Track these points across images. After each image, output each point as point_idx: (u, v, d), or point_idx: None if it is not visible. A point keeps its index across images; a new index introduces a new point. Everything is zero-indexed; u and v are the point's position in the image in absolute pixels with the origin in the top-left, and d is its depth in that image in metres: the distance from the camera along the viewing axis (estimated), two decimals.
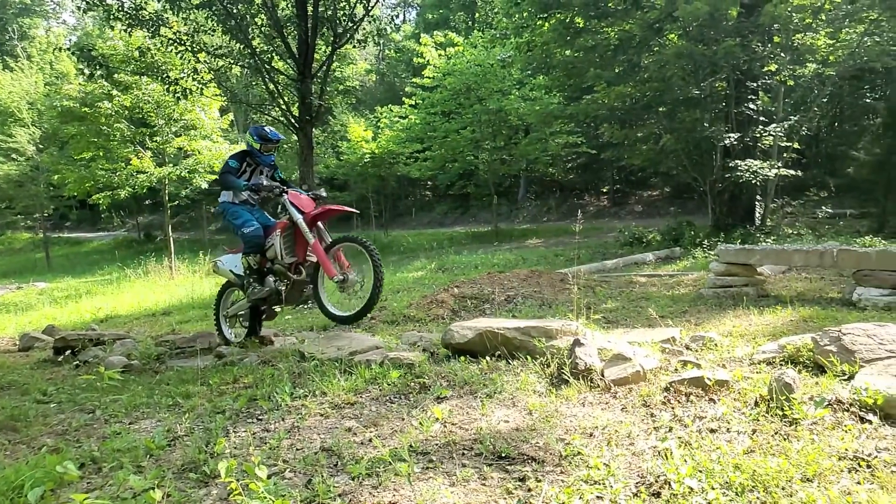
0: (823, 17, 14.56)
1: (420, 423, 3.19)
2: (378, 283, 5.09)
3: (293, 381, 4.11)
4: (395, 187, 28.29)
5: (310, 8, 9.04)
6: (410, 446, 2.92)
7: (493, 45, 20.04)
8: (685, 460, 2.54)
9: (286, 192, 5.53)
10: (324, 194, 5.95)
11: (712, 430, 2.87)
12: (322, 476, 2.64)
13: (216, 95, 15.13)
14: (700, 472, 2.45)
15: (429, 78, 20.20)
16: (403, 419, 3.36)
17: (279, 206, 5.61)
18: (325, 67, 9.50)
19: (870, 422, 2.77)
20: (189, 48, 9.57)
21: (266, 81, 9.42)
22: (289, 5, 10.23)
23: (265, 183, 5.59)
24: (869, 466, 2.40)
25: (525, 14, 16.62)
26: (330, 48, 9.45)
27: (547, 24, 16.49)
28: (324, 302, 5.58)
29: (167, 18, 9.79)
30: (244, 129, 29.29)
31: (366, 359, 4.37)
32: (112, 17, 9.19)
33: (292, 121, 9.15)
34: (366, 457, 2.80)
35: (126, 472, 2.72)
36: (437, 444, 2.96)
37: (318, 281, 5.58)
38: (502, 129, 20.59)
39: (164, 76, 11.59)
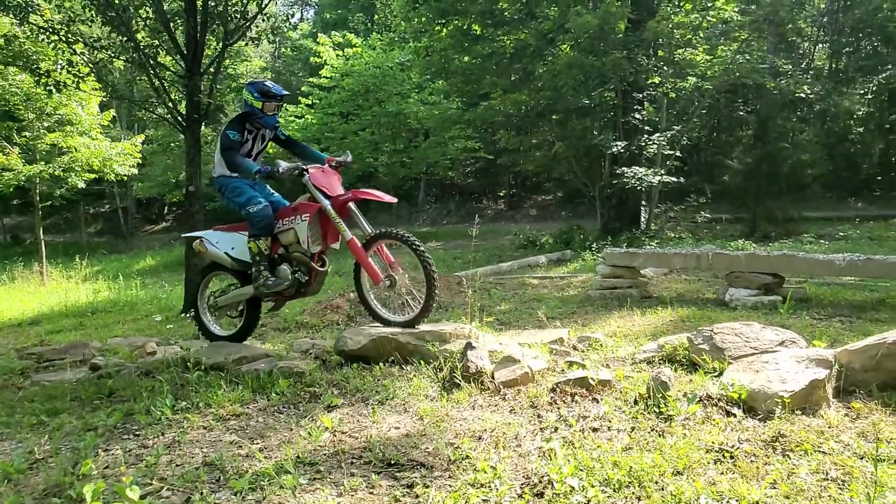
0: (702, 35, 15.63)
1: (309, 434, 3.12)
2: (432, 284, 4.39)
3: (175, 393, 3.90)
4: (291, 189, 27.65)
5: (199, 2, 8.65)
6: (298, 457, 2.85)
7: (391, 47, 20.04)
8: (568, 460, 2.62)
9: (307, 172, 4.59)
10: (349, 159, 5.04)
11: (594, 429, 2.98)
12: (202, 493, 2.53)
13: (95, 90, 14.16)
14: (581, 470, 2.53)
15: (326, 78, 19.90)
16: (292, 430, 3.27)
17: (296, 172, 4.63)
18: (215, 64, 9.12)
19: (735, 415, 2.96)
20: (63, 38, 8.90)
21: (151, 77, 8.91)
22: None
23: (282, 167, 4.54)
24: (732, 457, 2.57)
25: (423, 19, 16.73)
26: (221, 45, 9.08)
27: (445, 29, 16.68)
28: (371, 304, 4.76)
29: (37, 5, 9.06)
30: (128, 125, 27.68)
31: (254, 368, 4.22)
32: None
33: (179, 119, 8.71)
34: (250, 470, 2.70)
35: None
36: (325, 454, 2.90)
37: (360, 280, 4.75)
38: (402, 131, 20.61)
39: (34, 67, 10.69)
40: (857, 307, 6.10)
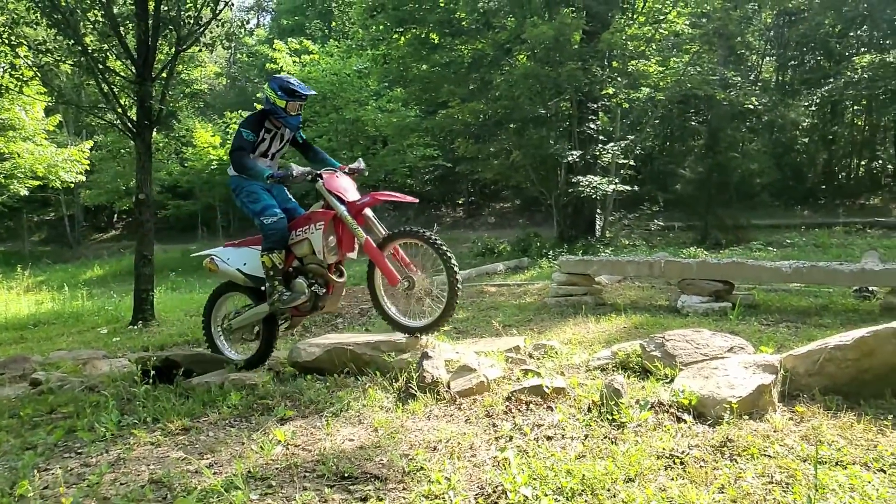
0: (654, 47, 15.99)
1: (261, 447, 3.06)
2: (454, 284, 4.14)
3: (121, 409, 3.78)
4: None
5: (151, 6, 8.45)
6: (249, 472, 2.79)
7: (349, 55, 19.95)
8: (522, 469, 2.62)
9: (320, 178, 4.34)
10: (362, 166, 4.77)
11: (549, 438, 2.99)
12: None
13: (40, 94, 13.73)
14: (535, 479, 2.53)
15: None
16: (243, 444, 3.20)
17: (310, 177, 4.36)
18: (168, 70, 8.92)
19: (685, 421, 3.01)
20: (5, 41, 8.60)
21: (100, 82, 8.67)
22: (127, 2, 9.51)
23: (295, 172, 4.27)
24: (682, 463, 2.61)
25: (381, 27, 16.72)
26: (174, 50, 8.89)
27: (403, 38, 16.69)
28: (387, 309, 4.53)
29: None
30: (76, 131, 26.86)
31: (205, 381, 4.13)
32: None
33: (129, 125, 8.49)
34: (198, 487, 2.63)
35: None
36: (277, 468, 2.85)
37: (374, 284, 4.52)
38: (360, 139, 20.51)
39: None
40: (803, 313, 6.28)
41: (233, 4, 10.77)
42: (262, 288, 4.64)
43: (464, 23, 16.18)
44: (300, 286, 4.48)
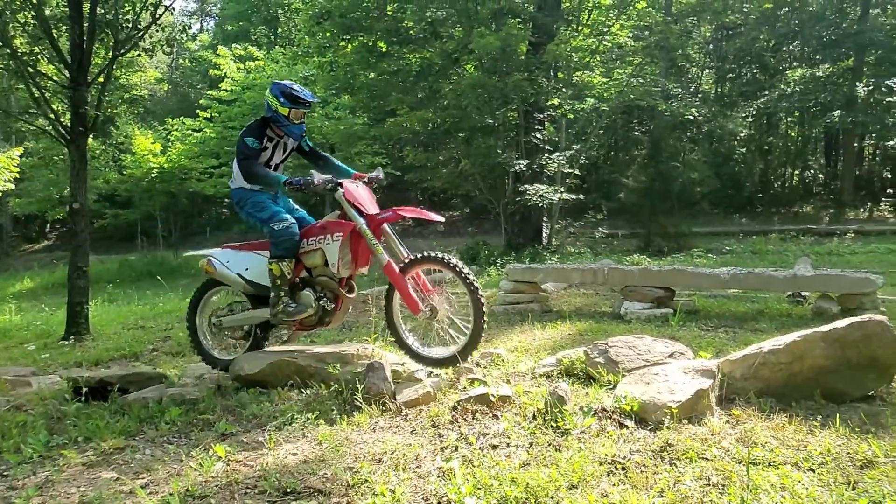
0: (599, 59, 16.36)
1: (200, 464, 2.96)
2: (480, 314, 3.94)
3: (50, 428, 3.61)
4: (187, 205, 26.47)
5: (86, 9, 8.15)
6: (187, 491, 2.70)
7: (295, 61, 19.74)
8: (467, 479, 2.61)
9: (341, 187, 4.10)
10: (381, 175, 4.54)
11: (494, 447, 3.00)
12: None
13: None
14: (480, 489, 2.53)
15: (227, 91, 19.32)
16: (182, 461, 3.10)
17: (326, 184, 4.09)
18: (104, 75, 8.61)
19: (627, 427, 3.06)
20: None
21: (30, 86, 8.31)
22: (60, 4, 9.16)
23: (317, 179, 4.02)
24: (624, 469, 2.65)
25: (328, 34, 16.61)
26: (110, 54, 8.59)
27: (350, 45, 16.62)
28: (404, 337, 4.24)
29: None
30: (4, 136, 25.68)
31: (142, 396, 3.98)
32: None
33: (63, 132, 8.15)
34: None
35: None
36: (217, 486, 2.76)
37: (392, 310, 4.24)
38: None
39: None
40: (740, 318, 6.49)
41: (174, 9, 10.50)
42: (263, 295, 4.40)
43: (411, 32, 16.22)
44: (307, 298, 4.24)
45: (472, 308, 3.94)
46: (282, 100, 4.22)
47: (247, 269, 4.43)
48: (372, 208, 4.17)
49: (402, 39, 16.22)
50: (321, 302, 4.25)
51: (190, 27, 11.47)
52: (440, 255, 4.07)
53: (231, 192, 4.53)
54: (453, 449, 3.00)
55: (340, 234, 4.13)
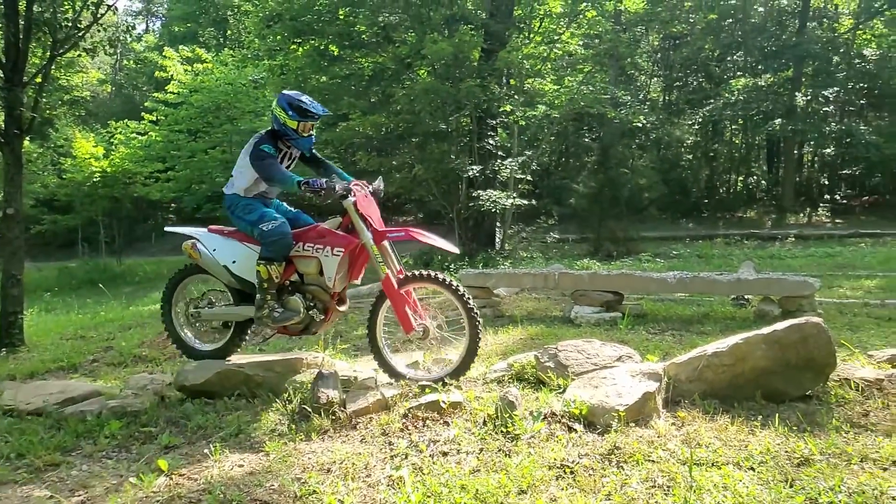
0: (550, 66, 16.58)
1: (141, 479, 2.86)
2: (476, 337, 3.84)
3: None
4: (131, 210, 25.67)
5: (21, 7, 7.82)
6: None
7: (245, 64, 19.40)
8: (416, 487, 2.60)
9: (351, 193, 3.90)
10: (381, 186, 4.30)
11: (444, 453, 2.98)
12: None
13: None
14: (429, 497, 2.51)
15: (173, 94, 18.84)
16: (121, 476, 3.00)
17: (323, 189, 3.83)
18: (42, 75, 8.27)
19: (576, 430, 3.09)
20: None
21: None
22: None
23: (337, 185, 3.83)
24: (572, 472, 2.67)
25: (278, 37, 16.37)
26: (49, 54, 8.26)
27: (301, 49, 16.43)
28: (385, 356, 4.06)
29: None
30: None
31: (80, 410, 3.83)
32: None
33: None
34: None
35: None
36: (158, 501, 2.69)
37: (375, 322, 4.06)
38: None
39: None
40: (687, 321, 6.64)
41: (116, 8, 10.19)
42: (248, 291, 4.19)
43: (364, 36, 16.13)
44: (295, 304, 4.04)
45: (468, 330, 3.85)
46: (290, 112, 4.06)
47: (234, 261, 4.17)
48: (379, 223, 4.01)
49: (355, 44, 16.11)
50: (311, 312, 4.06)
51: (134, 27, 11.16)
52: (434, 273, 3.94)
53: (224, 196, 4.34)
54: (403, 457, 2.98)
55: (342, 248, 3.93)
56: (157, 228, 29.40)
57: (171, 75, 19.04)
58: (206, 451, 3.23)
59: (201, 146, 19.31)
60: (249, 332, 4.54)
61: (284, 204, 4.51)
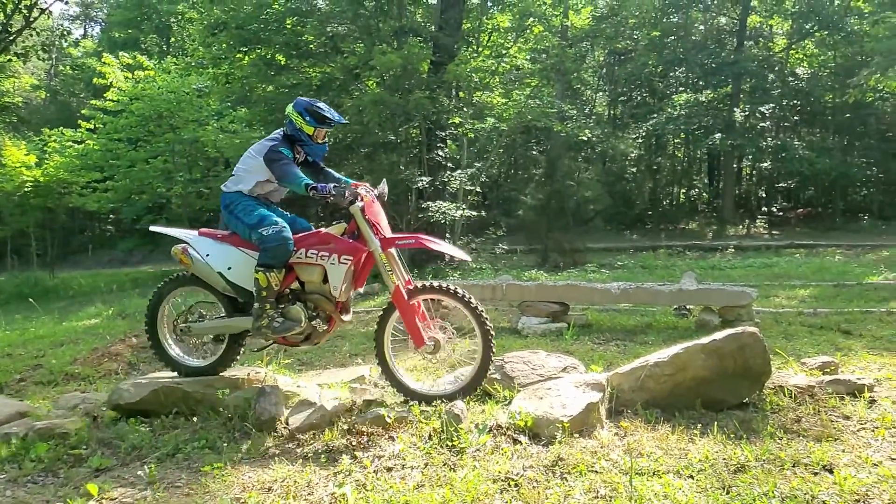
0: (498, 80, 16.77)
1: None
2: (489, 350, 3.72)
3: None
4: (66, 221, 24.65)
5: None
6: None
7: (188, 72, 18.95)
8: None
9: (358, 198, 3.76)
10: (385, 190, 4.11)
11: (388, 469, 2.94)
12: None
13: None
14: None
15: (112, 101, 18.22)
16: (48, 502, 2.84)
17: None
18: None
19: (521, 443, 3.09)
20: None
21: None
22: None
23: (347, 193, 3.70)
24: (517, 485, 2.66)
25: (224, 46, 16.09)
26: None
27: (247, 57, 16.18)
28: (392, 368, 3.90)
29: None
30: None
31: (4, 432, 3.62)
32: None
33: None
34: None
35: None
36: None
37: (384, 340, 3.90)
38: (199, 160, 19.45)
39: None
40: (630, 331, 6.76)
41: (51, 12, 9.85)
42: (242, 300, 3.98)
43: (312, 46, 16.01)
44: (296, 314, 3.82)
45: (481, 343, 3.74)
46: (307, 118, 3.95)
47: (229, 267, 3.91)
48: (387, 230, 3.88)
49: (302, 53, 15.97)
50: (314, 323, 3.86)
51: (70, 32, 10.78)
52: (445, 285, 3.81)
53: (223, 194, 4.11)
54: (346, 473, 2.92)
55: (351, 257, 3.76)
56: (94, 240, 28.39)
57: (111, 82, 18.40)
58: (140, 472, 3.10)
59: (142, 155, 18.69)
60: (241, 350, 4.33)
61: (280, 210, 4.29)
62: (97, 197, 19.45)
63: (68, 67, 31.80)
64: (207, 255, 3.96)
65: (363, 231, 3.77)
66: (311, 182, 3.79)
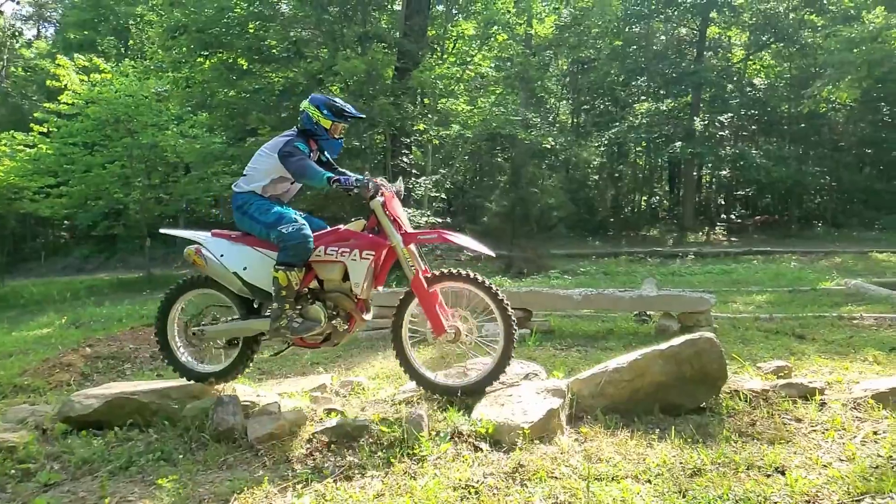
0: (463, 87, 16.86)
1: None
2: (511, 338, 3.64)
3: None
4: (17, 227, 23.88)
5: None
6: None
7: (147, 76, 18.55)
8: None
9: (380, 193, 3.68)
10: (402, 187, 4.03)
11: (348, 478, 2.92)
12: None
13: None
14: None
15: (67, 104, 17.72)
16: None
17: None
18: None
19: (482, 450, 3.09)
20: None
21: None
22: None
23: (370, 185, 3.62)
24: (477, 493, 2.66)
25: (184, 49, 15.84)
26: None
27: (209, 61, 15.98)
28: (412, 361, 3.86)
29: None
30: None
31: None
32: None
33: None
34: None
35: None
36: None
37: (402, 332, 3.86)
38: (158, 165, 19.06)
39: None
40: (592, 337, 6.81)
41: (2, 12, 9.54)
42: (259, 302, 3.90)
43: (274, 51, 15.88)
44: (316, 313, 3.72)
45: (503, 331, 3.66)
46: (325, 112, 3.88)
47: (245, 268, 3.81)
48: (407, 225, 3.83)
49: (265, 58, 15.83)
50: (333, 322, 3.76)
51: (21, 33, 10.47)
52: (465, 272, 3.76)
53: (234, 194, 4.00)
54: (306, 483, 2.88)
55: (373, 252, 3.68)
56: (47, 247, 27.57)
57: (65, 85, 17.91)
58: (91, 487, 3.02)
59: (98, 160, 18.19)
60: (254, 355, 4.21)
61: (292, 209, 4.14)
62: (50, 202, 18.85)
63: (20, 69, 30.83)
64: (222, 255, 3.87)
65: (384, 226, 3.71)
66: (332, 175, 3.71)
